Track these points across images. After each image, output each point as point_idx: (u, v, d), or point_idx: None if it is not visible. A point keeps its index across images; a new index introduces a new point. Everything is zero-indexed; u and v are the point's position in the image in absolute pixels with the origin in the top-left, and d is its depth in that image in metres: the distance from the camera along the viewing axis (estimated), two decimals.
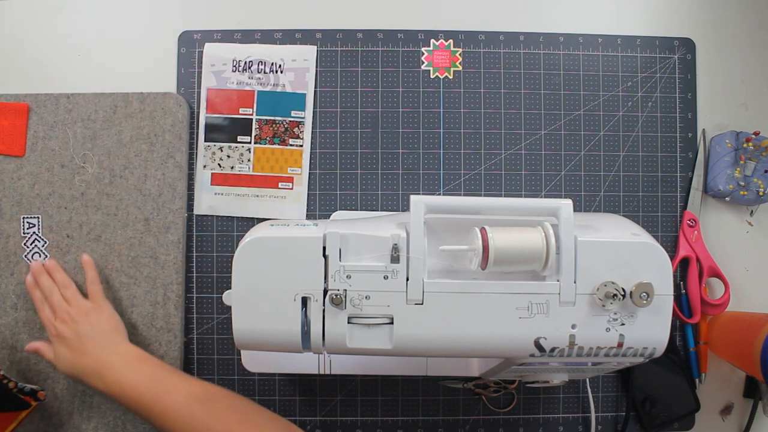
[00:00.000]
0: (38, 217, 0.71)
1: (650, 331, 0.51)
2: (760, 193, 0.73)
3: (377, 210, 0.74)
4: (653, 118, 0.75)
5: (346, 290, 0.51)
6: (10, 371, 0.70)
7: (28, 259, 0.71)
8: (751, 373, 0.71)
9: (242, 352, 0.72)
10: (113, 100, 0.72)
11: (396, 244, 0.51)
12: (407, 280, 0.50)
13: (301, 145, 0.74)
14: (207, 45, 0.74)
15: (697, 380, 0.74)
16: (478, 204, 0.53)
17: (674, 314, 0.71)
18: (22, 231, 0.71)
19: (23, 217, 0.71)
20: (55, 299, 0.66)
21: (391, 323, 0.51)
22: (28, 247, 0.71)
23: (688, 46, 0.76)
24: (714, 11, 0.77)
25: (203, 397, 0.59)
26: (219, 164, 0.73)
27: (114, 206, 0.72)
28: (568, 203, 0.50)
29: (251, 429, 0.56)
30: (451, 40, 0.75)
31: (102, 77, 0.74)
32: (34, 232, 0.71)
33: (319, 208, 0.74)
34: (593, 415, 0.72)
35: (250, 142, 0.73)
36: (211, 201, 0.73)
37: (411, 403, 0.73)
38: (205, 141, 0.73)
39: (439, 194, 0.74)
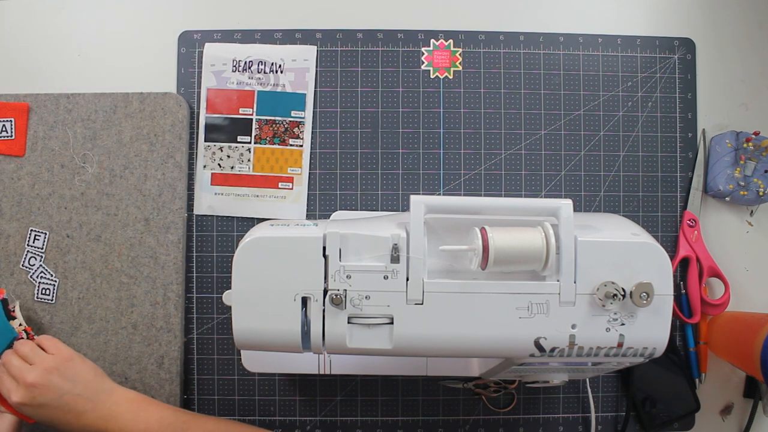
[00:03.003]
0: (45, 234, 0.71)
1: (650, 331, 0.51)
2: (760, 193, 0.73)
3: (377, 210, 0.74)
4: (653, 118, 0.75)
5: (346, 290, 0.51)
6: None
7: (26, 268, 0.71)
8: (751, 373, 0.71)
9: (242, 352, 0.72)
10: (113, 100, 0.72)
11: (396, 244, 0.51)
12: (407, 280, 0.50)
13: (301, 145, 0.74)
14: (207, 45, 0.74)
15: (697, 380, 0.74)
16: (478, 204, 0.53)
17: (674, 314, 0.71)
18: (27, 242, 0.71)
19: (31, 229, 0.71)
20: (15, 362, 0.60)
21: (391, 323, 0.51)
22: (30, 267, 0.71)
23: (688, 46, 0.76)
24: (714, 11, 0.77)
25: None
26: (219, 164, 0.73)
27: (114, 206, 0.72)
28: (568, 203, 0.50)
29: None
30: (451, 40, 0.75)
31: (102, 77, 0.74)
32: (37, 252, 0.71)
33: (319, 208, 0.74)
34: (593, 415, 0.72)
35: (250, 142, 0.73)
36: (211, 201, 0.73)
37: (411, 403, 0.73)
38: (205, 141, 0.73)
39: (439, 194, 0.74)
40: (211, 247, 0.73)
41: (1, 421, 0.62)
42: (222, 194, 0.73)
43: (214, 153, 0.73)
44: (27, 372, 0.58)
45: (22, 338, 0.64)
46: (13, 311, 0.66)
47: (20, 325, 0.65)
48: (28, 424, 0.65)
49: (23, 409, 0.59)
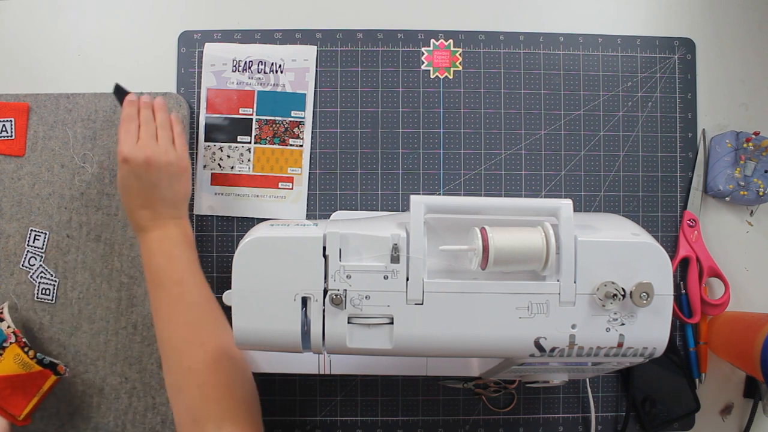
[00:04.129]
0: (45, 234, 0.71)
1: (650, 331, 0.51)
2: (760, 193, 0.73)
3: (377, 210, 0.74)
4: (653, 118, 0.75)
5: (346, 290, 0.51)
6: None
7: (26, 268, 0.71)
8: (751, 373, 0.71)
9: (242, 352, 0.72)
10: (113, 100, 0.72)
11: (396, 244, 0.51)
12: (407, 280, 0.50)
13: (301, 145, 0.74)
14: (207, 45, 0.74)
15: (697, 380, 0.74)
16: (478, 204, 0.53)
17: (674, 314, 0.71)
18: (27, 242, 0.71)
19: (31, 229, 0.71)
20: (149, 133, 0.63)
21: (391, 323, 0.51)
22: (30, 267, 0.71)
23: (688, 46, 0.76)
24: (714, 11, 0.77)
25: (208, 307, 0.61)
26: (219, 164, 0.73)
27: (114, 206, 0.72)
28: (568, 203, 0.50)
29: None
30: (451, 40, 0.75)
31: (102, 77, 0.74)
32: (37, 253, 0.71)
33: (319, 208, 0.74)
34: (593, 415, 0.72)
35: (250, 142, 0.73)
36: (211, 201, 0.73)
37: (411, 403, 0.73)
38: (205, 141, 0.73)
39: (439, 194, 0.74)
40: (211, 247, 0.73)
41: None
42: (222, 194, 0.73)
43: (214, 153, 0.73)
44: (151, 148, 0.62)
45: (11, 341, 0.64)
46: (1, 313, 0.66)
47: (8, 327, 0.65)
48: (17, 426, 0.65)
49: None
